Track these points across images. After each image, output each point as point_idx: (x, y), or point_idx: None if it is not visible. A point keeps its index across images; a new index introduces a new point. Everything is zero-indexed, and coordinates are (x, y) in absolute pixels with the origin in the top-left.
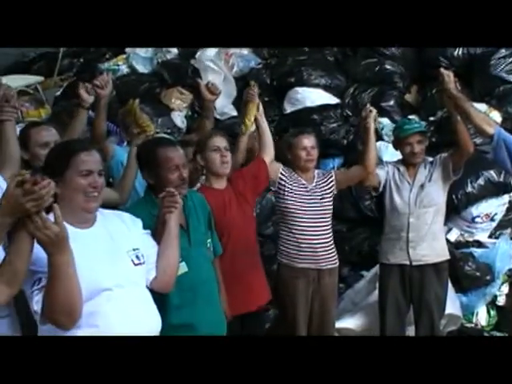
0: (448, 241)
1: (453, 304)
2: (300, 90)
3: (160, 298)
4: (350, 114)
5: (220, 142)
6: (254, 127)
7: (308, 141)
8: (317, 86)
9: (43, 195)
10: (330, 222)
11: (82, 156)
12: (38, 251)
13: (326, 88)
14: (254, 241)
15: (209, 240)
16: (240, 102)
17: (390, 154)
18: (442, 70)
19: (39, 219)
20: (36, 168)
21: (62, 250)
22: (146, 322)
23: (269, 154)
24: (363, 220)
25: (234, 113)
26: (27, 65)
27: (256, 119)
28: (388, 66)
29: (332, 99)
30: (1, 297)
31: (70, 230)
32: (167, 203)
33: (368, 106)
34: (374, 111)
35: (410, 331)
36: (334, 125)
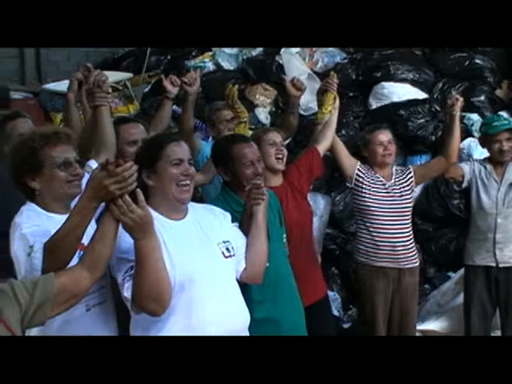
0: None
1: None
2: (386, 84)
3: (242, 294)
4: (439, 109)
5: (276, 137)
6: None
7: (384, 136)
8: (404, 80)
9: (126, 177)
10: (409, 220)
11: (171, 146)
12: (130, 239)
13: (414, 83)
14: (311, 233)
15: (284, 235)
16: None
17: (480, 151)
18: None
19: (124, 203)
20: None
21: (147, 234)
22: (237, 314)
23: (324, 146)
24: (451, 219)
25: None
26: (116, 61)
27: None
28: (478, 61)
29: (420, 94)
30: (83, 282)
31: (163, 220)
32: (254, 196)
33: (454, 93)
34: (461, 99)
35: None
36: (422, 120)
